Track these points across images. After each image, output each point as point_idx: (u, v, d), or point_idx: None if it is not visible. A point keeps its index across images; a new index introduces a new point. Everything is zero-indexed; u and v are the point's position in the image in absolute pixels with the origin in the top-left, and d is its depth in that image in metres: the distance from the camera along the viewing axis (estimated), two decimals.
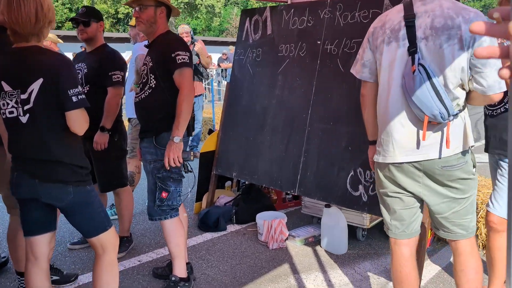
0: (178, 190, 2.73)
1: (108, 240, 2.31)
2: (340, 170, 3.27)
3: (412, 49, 1.91)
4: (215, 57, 15.84)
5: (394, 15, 2.04)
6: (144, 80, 2.70)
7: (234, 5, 41.45)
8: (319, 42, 3.54)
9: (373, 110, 2.17)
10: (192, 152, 2.65)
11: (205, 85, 14.22)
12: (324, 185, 3.34)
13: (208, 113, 8.92)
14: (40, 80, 2.01)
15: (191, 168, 2.74)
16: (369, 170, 3.11)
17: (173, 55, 2.59)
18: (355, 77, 3.32)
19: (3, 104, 2.09)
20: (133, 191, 4.27)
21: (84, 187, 2.20)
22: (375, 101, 2.14)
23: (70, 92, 2.04)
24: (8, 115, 2.09)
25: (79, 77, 3.29)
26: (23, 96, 2.04)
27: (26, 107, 2.05)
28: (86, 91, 3.26)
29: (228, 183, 4.58)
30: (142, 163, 2.82)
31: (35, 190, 2.13)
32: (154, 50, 2.68)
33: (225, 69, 15.23)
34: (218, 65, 15.44)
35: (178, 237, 2.79)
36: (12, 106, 2.07)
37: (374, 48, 2.09)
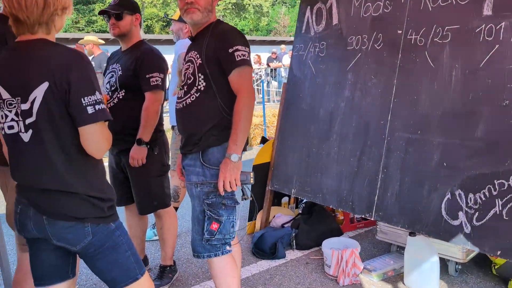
0: (231, 219, 2.15)
1: None
2: (431, 191, 2.59)
3: None
4: (264, 56, 15.31)
5: None
6: (190, 82, 2.14)
7: (282, 4, 40.90)
8: (400, 32, 2.86)
9: None
10: (251, 173, 2.07)
11: (254, 86, 13.76)
12: (410, 209, 2.67)
13: (258, 116, 8.35)
14: (45, 85, 1.48)
15: (252, 195, 2.16)
16: (473, 192, 2.41)
17: (230, 50, 2.02)
18: (452, 74, 2.68)
19: (1, 117, 1.58)
20: (178, 208, 3.76)
21: (106, 225, 1.66)
22: None
23: (84, 100, 1.50)
24: (8, 131, 1.58)
25: (113, 80, 2.79)
26: (24, 106, 1.52)
27: (28, 121, 1.53)
28: (121, 97, 2.76)
29: (285, 199, 3.97)
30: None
31: (44, 229, 1.61)
32: (204, 44, 2.10)
33: (275, 69, 14.64)
34: (267, 64, 14.86)
35: (230, 277, 2.21)
36: (12, 119, 1.55)
37: None
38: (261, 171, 3.64)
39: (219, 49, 2.03)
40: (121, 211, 3.59)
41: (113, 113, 2.80)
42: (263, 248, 3.34)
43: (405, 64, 2.81)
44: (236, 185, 2.02)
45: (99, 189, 1.64)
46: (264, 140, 4.37)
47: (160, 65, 2.75)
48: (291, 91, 3.56)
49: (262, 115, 7.89)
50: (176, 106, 2.22)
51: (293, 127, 3.49)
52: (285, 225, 3.61)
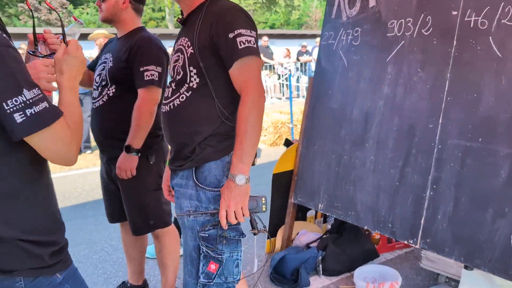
0: (235, 257, 1.64)
1: None
2: (497, 216, 2.01)
3: None
4: (294, 50, 14.72)
5: None
6: (179, 77, 1.65)
7: None
8: (455, 13, 2.28)
9: None
10: (263, 198, 1.56)
11: (282, 81, 13.17)
12: (468, 238, 2.10)
13: (285, 113, 7.81)
14: None
15: (264, 226, 1.64)
16: None
17: (231, 35, 1.51)
18: None
19: None
20: None
21: (48, 278, 1.18)
22: None
23: (7, 106, 1.01)
24: None
25: (104, 73, 2.33)
26: None
27: None
28: (111, 94, 2.29)
29: (310, 213, 3.44)
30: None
31: None
32: (197, 27, 1.60)
33: (305, 63, 14.02)
34: (297, 58, 14.25)
35: None
36: None
37: None
38: (283, 180, 3.13)
39: (216, 34, 1.52)
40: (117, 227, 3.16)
41: (102, 113, 2.36)
42: (283, 272, 2.83)
43: (461, 53, 2.23)
44: (243, 215, 1.51)
45: (36, 230, 1.16)
46: (288, 143, 3.83)
47: (158, 57, 2.26)
48: (319, 87, 3.02)
49: (290, 113, 7.33)
50: (162, 108, 1.73)
51: (320, 130, 2.95)
52: (311, 245, 3.09)
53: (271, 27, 34.88)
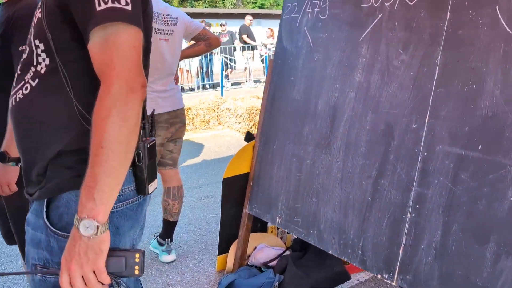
0: None
1: None
2: (501, 253, 1.47)
3: None
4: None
5: None
6: (25, 57, 1.07)
7: None
8: None
9: None
10: (137, 254, 0.97)
11: (258, 63, 12.48)
12: (461, 279, 1.56)
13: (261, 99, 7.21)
14: None
15: None
16: None
17: None
18: None
19: None
20: None
21: None
22: None
23: None
24: None
25: None
26: None
27: None
28: None
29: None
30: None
31: None
32: None
33: None
34: None
35: None
36: None
37: None
38: (235, 185, 2.57)
39: None
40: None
41: None
42: None
43: (457, 29, 1.66)
44: (101, 282, 0.93)
45: None
46: (249, 137, 3.24)
47: None
48: (279, 72, 2.44)
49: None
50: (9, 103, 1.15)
51: (281, 126, 2.38)
52: (271, 264, 2.55)
53: (260, 7, 33.99)
